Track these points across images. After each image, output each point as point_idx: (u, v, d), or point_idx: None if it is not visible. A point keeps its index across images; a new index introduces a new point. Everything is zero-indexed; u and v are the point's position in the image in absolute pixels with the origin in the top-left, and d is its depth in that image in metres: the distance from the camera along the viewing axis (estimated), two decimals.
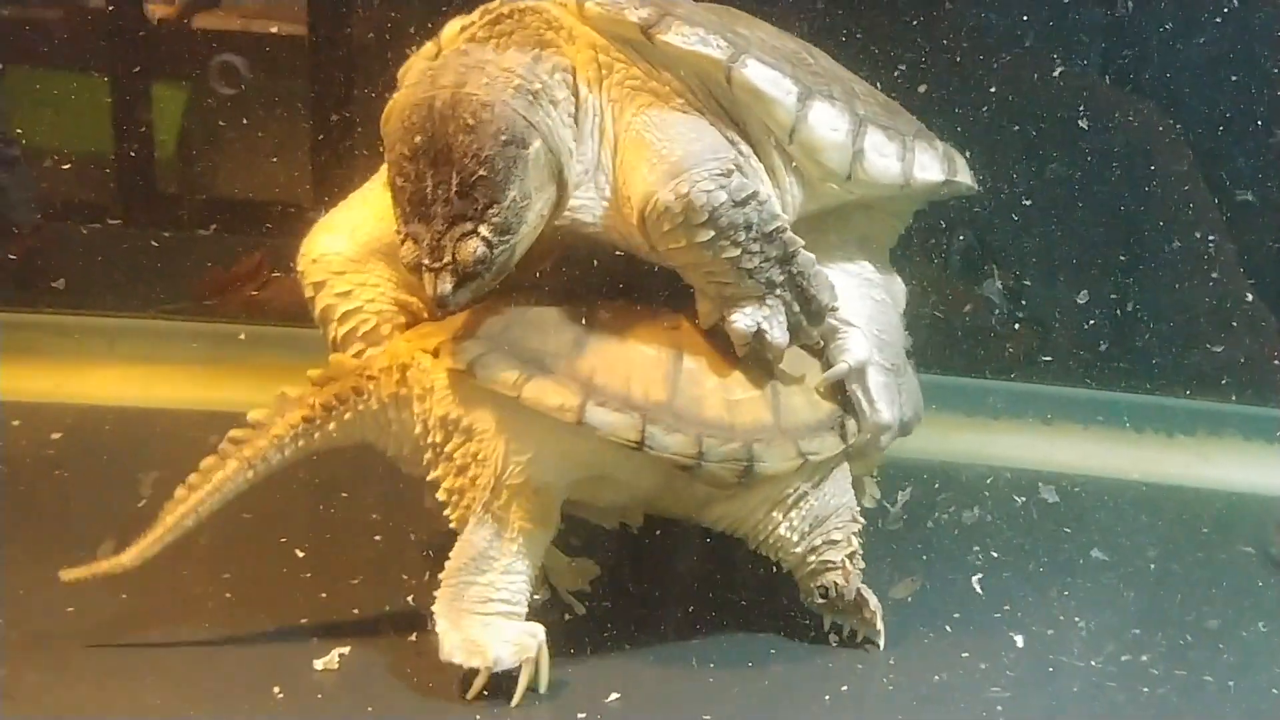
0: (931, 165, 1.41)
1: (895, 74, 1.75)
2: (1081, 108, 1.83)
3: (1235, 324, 1.87)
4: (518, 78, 1.20)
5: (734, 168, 1.23)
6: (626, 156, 1.26)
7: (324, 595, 1.37)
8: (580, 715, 1.20)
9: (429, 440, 1.25)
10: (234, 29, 2.07)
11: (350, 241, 1.35)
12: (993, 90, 1.82)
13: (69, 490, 1.60)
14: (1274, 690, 1.32)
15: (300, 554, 1.41)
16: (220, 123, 2.07)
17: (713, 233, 1.22)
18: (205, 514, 1.24)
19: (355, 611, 1.34)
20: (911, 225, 1.52)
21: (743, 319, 1.26)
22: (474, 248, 1.15)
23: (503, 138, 1.16)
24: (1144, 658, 1.36)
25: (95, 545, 1.28)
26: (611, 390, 1.23)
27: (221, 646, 1.27)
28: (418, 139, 1.15)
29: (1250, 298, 1.87)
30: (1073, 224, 1.87)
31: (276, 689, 1.20)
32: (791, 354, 1.31)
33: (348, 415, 1.26)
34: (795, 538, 1.33)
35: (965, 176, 1.46)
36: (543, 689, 1.21)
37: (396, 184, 1.17)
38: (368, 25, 1.98)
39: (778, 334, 1.28)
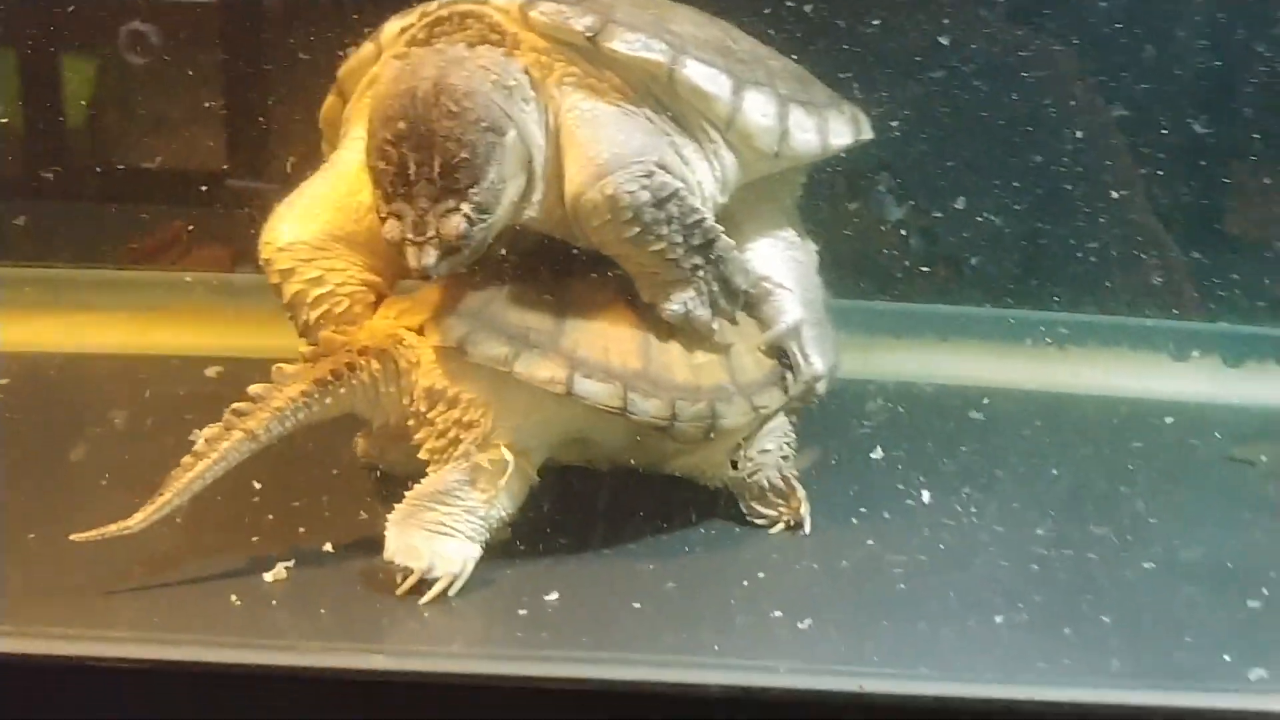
0: (843, 131, 1.54)
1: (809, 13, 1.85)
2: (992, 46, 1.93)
3: (1135, 247, 1.98)
4: (494, 74, 1.29)
5: (656, 169, 1.33)
6: (563, 152, 1.35)
7: (271, 517, 1.43)
8: (522, 612, 1.28)
9: (413, 409, 1.34)
10: None
11: (313, 228, 1.40)
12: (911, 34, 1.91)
13: (19, 433, 1.64)
14: (1148, 565, 1.44)
15: (257, 485, 1.47)
16: (132, 92, 2.08)
17: (638, 229, 1.32)
18: (210, 480, 1.30)
19: (301, 530, 1.41)
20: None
21: (672, 305, 1.38)
22: (457, 223, 1.23)
23: (483, 124, 1.25)
24: (1041, 535, 1.49)
25: (43, 481, 1.35)
26: (594, 362, 1.33)
27: (179, 564, 1.33)
28: (401, 125, 1.23)
29: (1149, 221, 1.98)
30: (984, 155, 1.97)
31: (233, 597, 1.27)
32: (737, 316, 1.44)
33: (342, 389, 1.33)
34: (739, 469, 1.47)
35: (867, 133, 1.59)
36: (452, 593, 1.30)
37: (379, 168, 1.24)
38: None
39: (703, 313, 1.39)
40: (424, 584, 1.29)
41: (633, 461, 1.46)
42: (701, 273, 1.38)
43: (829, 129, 1.51)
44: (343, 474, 1.52)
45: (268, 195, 1.83)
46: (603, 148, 1.33)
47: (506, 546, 1.38)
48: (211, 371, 1.73)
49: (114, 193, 2.14)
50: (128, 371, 1.70)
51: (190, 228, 2.10)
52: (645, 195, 1.32)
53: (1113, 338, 1.99)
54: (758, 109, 1.42)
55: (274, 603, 1.28)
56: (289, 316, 1.43)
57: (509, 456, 1.32)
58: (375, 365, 1.34)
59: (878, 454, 1.66)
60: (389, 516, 1.32)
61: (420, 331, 1.34)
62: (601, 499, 1.48)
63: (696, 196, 1.38)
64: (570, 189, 1.33)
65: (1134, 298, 1.99)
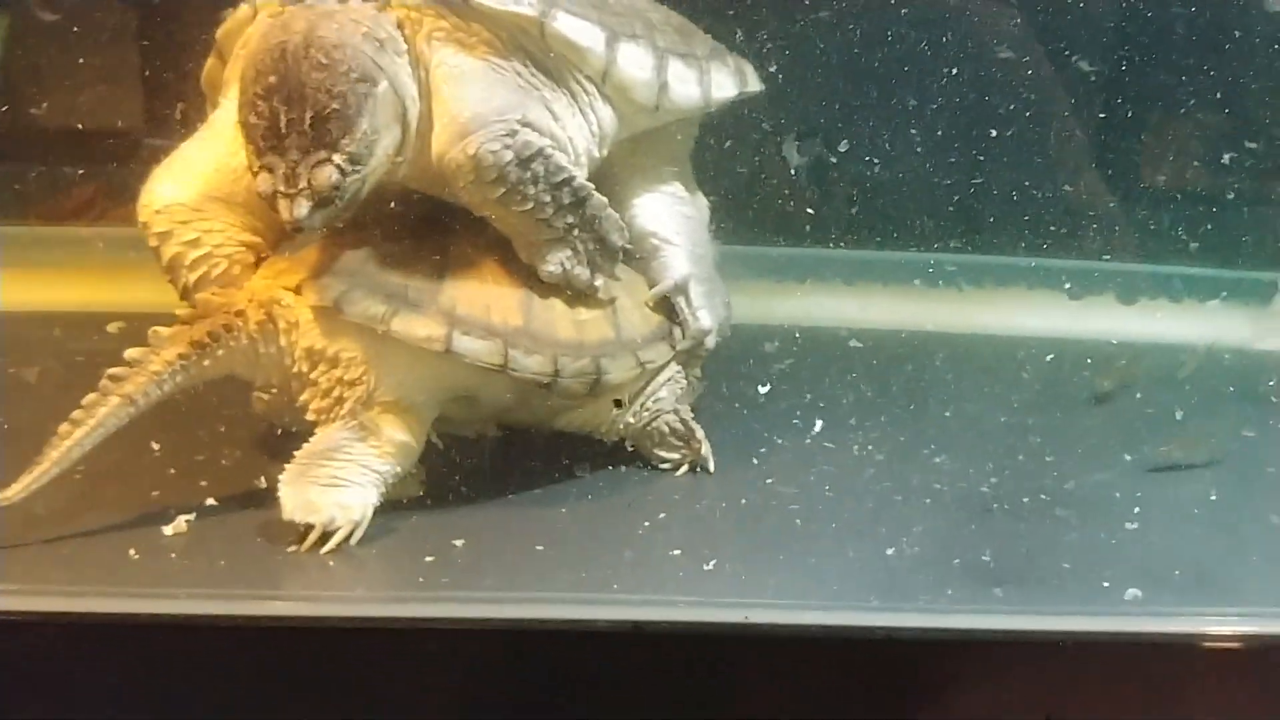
0: (726, 83, 1.54)
1: None
2: None
3: (1033, 188, 2.02)
4: (365, 26, 1.29)
5: (519, 127, 1.32)
6: (431, 108, 1.34)
7: (172, 471, 1.44)
8: (429, 559, 1.30)
9: (295, 370, 1.34)
10: None
11: (190, 189, 1.39)
12: None
13: None
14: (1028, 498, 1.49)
15: (156, 443, 1.48)
16: (45, 49, 2.04)
17: (503, 189, 1.32)
18: (88, 447, 1.29)
19: (203, 484, 1.42)
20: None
21: (548, 265, 1.38)
22: (328, 173, 1.24)
23: (354, 75, 1.25)
24: (929, 469, 1.54)
25: None
26: (474, 319, 1.33)
27: (77, 519, 1.33)
28: (271, 79, 1.23)
29: (1047, 163, 2.02)
30: (880, 98, 1.99)
31: (131, 551, 1.28)
32: (623, 272, 1.46)
33: (220, 351, 1.33)
34: (636, 421, 1.49)
35: (754, 85, 1.59)
36: (353, 541, 1.32)
37: (250, 122, 1.24)
38: None
39: (581, 272, 1.40)
40: (326, 536, 1.31)
41: (522, 418, 1.47)
42: (576, 232, 1.38)
43: (711, 81, 1.51)
44: (244, 428, 1.52)
45: None
46: (465, 106, 1.32)
47: (416, 499, 1.40)
48: (113, 327, 1.72)
49: (28, 151, 2.10)
50: (30, 328, 1.68)
51: (100, 195, 2.08)
52: (508, 155, 1.31)
53: (1009, 278, 2.03)
54: (634, 62, 1.42)
55: (173, 555, 1.29)
56: (168, 279, 1.42)
57: (395, 412, 1.33)
58: (253, 326, 1.33)
59: (774, 395, 1.69)
60: (280, 477, 1.32)
61: (297, 291, 1.33)
62: (509, 449, 1.50)
63: (567, 154, 1.37)
64: (435, 148, 1.33)
65: (1031, 239, 2.02)
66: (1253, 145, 1.98)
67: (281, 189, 1.24)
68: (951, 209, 2.02)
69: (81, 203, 2.08)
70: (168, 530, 1.32)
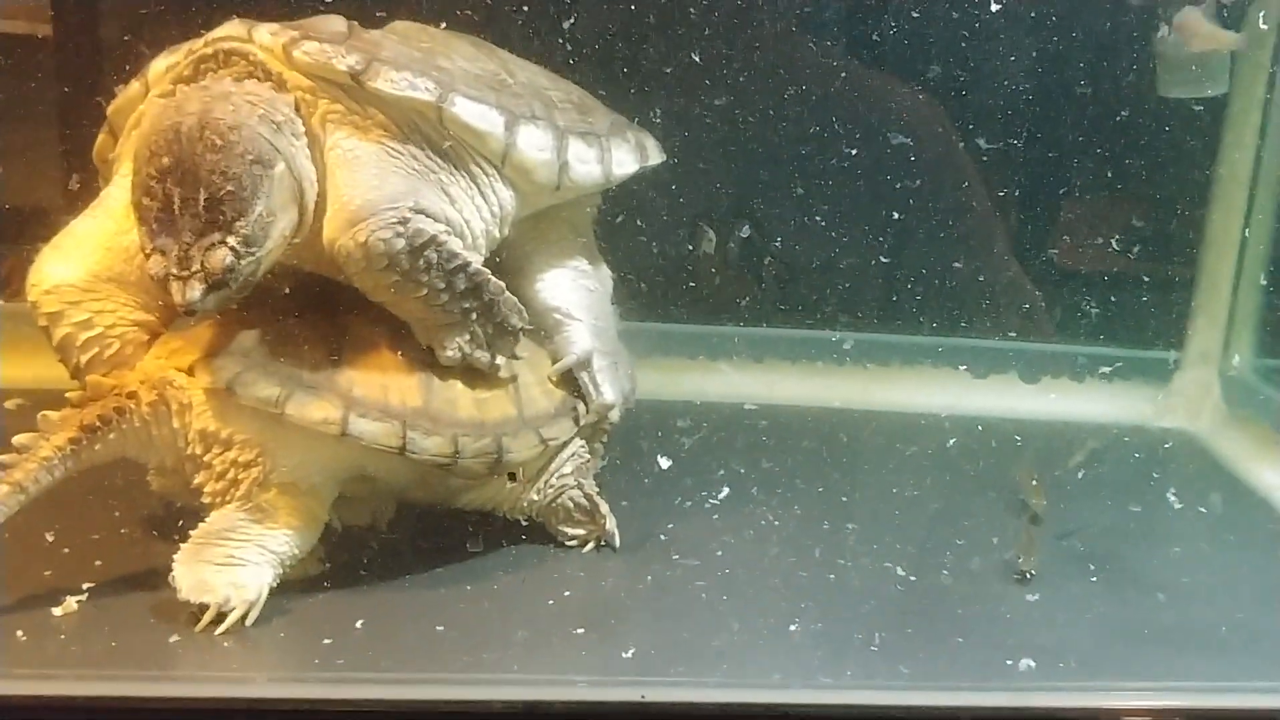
0: (627, 160, 1.54)
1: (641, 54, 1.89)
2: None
3: (941, 269, 2.06)
4: (261, 108, 1.28)
5: (411, 214, 1.31)
6: (324, 191, 1.34)
7: (66, 550, 1.41)
8: (326, 640, 1.28)
9: (189, 452, 1.32)
10: None
11: (81, 268, 1.37)
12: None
13: None
14: (945, 573, 1.50)
15: (54, 523, 1.45)
16: None
17: (396, 276, 1.32)
18: None
19: (97, 563, 1.39)
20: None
21: (447, 349, 1.38)
22: (222, 256, 1.22)
23: (249, 157, 1.24)
24: (843, 541, 1.56)
25: None
26: (371, 400, 1.32)
27: None
28: (165, 160, 1.22)
29: (956, 244, 2.06)
30: (794, 179, 2.03)
31: (20, 633, 1.25)
32: (526, 348, 1.46)
33: (112, 435, 1.31)
34: (540, 498, 1.49)
35: (655, 157, 1.60)
36: (248, 622, 1.29)
37: (143, 204, 1.23)
38: (115, 25, 1.96)
39: (481, 355, 1.40)
40: (221, 616, 1.28)
41: (421, 497, 1.46)
42: (473, 316, 1.37)
43: (612, 159, 1.51)
44: (140, 507, 1.50)
45: None
46: (357, 192, 1.31)
47: (313, 579, 1.38)
48: (11, 404, 1.70)
49: None
50: None
51: (16, 272, 2.05)
52: (400, 243, 1.30)
53: (913, 356, 2.06)
54: (533, 144, 1.42)
55: (62, 636, 1.26)
56: (59, 359, 1.40)
57: (291, 494, 1.32)
58: (145, 409, 1.31)
59: (680, 470, 1.69)
60: (175, 556, 1.30)
61: (190, 372, 1.32)
62: (408, 527, 1.49)
63: (464, 238, 1.37)
64: (327, 234, 1.32)
65: (935, 317, 2.06)
66: (1142, 226, 2.03)
67: (174, 271, 1.22)
68: (858, 288, 2.05)
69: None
70: (57, 611, 1.29)
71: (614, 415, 1.54)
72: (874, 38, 2.00)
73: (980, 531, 1.60)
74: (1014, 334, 2.06)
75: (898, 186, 1.98)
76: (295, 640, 1.29)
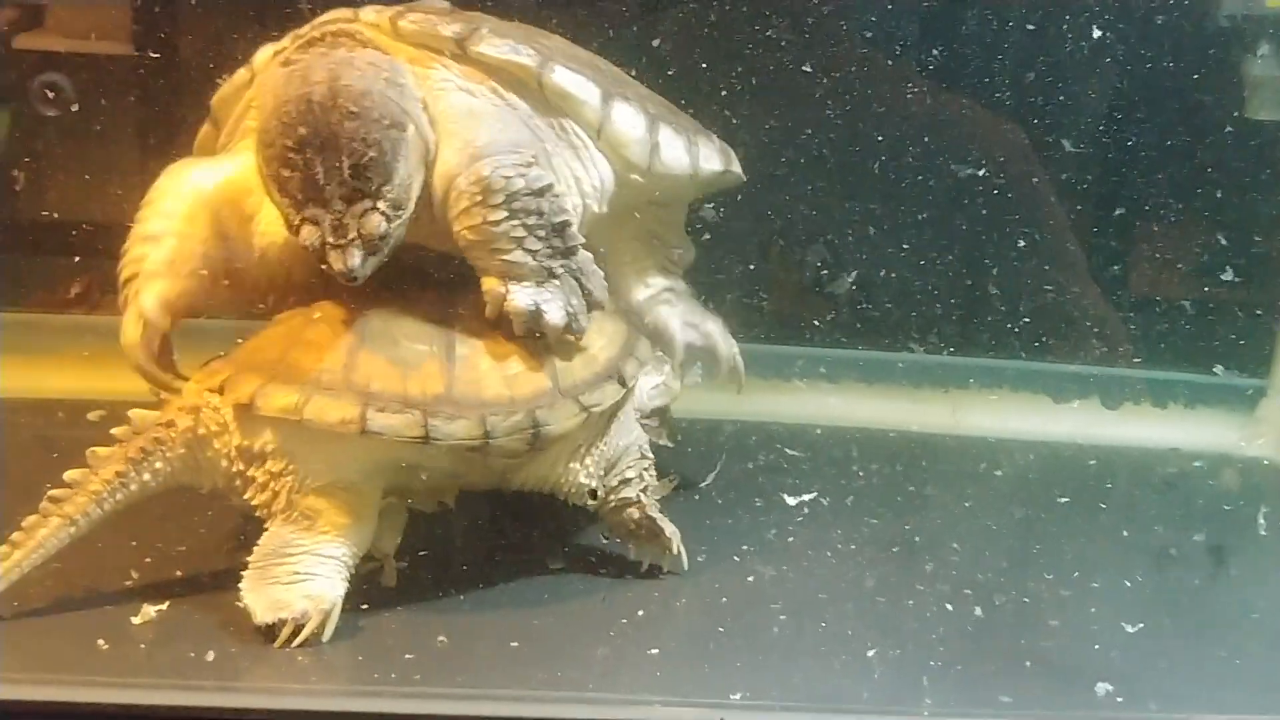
0: (713, 157, 1.55)
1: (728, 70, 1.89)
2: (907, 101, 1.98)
3: (1021, 291, 2.03)
4: (385, 71, 1.29)
5: (534, 160, 1.33)
6: (436, 150, 1.34)
7: (148, 560, 1.43)
8: (409, 656, 1.28)
9: (233, 470, 1.34)
10: (58, 49, 2.05)
11: (201, 205, 1.37)
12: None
13: None
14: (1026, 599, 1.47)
15: (134, 542, 1.46)
16: (45, 144, 2.05)
17: (505, 214, 1.31)
18: (27, 569, 1.29)
19: (179, 573, 1.40)
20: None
21: (522, 296, 1.35)
22: (377, 222, 1.23)
23: (385, 122, 1.24)
24: (922, 566, 1.53)
25: None
26: (389, 394, 1.30)
27: (47, 609, 1.32)
28: (302, 130, 1.22)
29: (1038, 266, 2.03)
30: (879, 197, 2.01)
31: (101, 641, 1.26)
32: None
33: (158, 464, 1.33)
34: (593, 483, 1.44)
35: (737, 167, 1.60)
36: (325, 638, 1.29)
37: (282, 176, 1.23)
38: (193, 44, 2.00)
39: (554, 316, 1.36)
40: (299, 630, 1.29)
41: (474, 481, 1.43)
42: (558, 279, 1.36)
43: (699, 152, 1.52)
44: (225, 519, 1.50)
45: None
46: (482, 134, 1.33)
47: (391, 595, 1.38)
48: (94, 415, 1.72)
49: (27, 242, 2.13)
50: (12, 416, 1.68)
51: (96, 287, 2.09)
52: (520, 183, 1.31)
53: (994, 380, 2.03)
54: (627, 119, 1.43)
55: (141, 646, 1.27)
56: (124, 255, 1.39)
57: (330, 495, 1.32)
58: (184, 436, 1.33)
59: (757, 492, 1.68)
60: (240, 585, 1.31)
61: (220, 392, 1.32)
62: (481, 544, 1.50)
63: (568, 200, 1.38)
64: (444, 170, 1.32)
65: (1017, 342, 2.02)
66: (1227, 250, 1.99)
67: (330, 240, 1.23)
68: (939, 311, 2.03)
69: (77, 293, 2.09)
70: (136, 620, 1.30)
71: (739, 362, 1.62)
72: (954, 60, 1.98)
73: (1060, 558, 1.57)
74: (1096, 358, 2.03)
75: (978, 209, 1.97)
76: (377, 654, 1.29)
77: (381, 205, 1.24)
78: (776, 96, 1.94)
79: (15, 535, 1.28)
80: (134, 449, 1.32)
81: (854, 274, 1.98)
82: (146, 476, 1.32)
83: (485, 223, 1.32)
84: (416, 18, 1.36)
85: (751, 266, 2.01)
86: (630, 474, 1.45)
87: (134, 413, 1.34)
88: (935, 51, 2.00)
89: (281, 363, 1.32)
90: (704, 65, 1.87)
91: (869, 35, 1.99)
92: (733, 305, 1.94)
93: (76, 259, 2.08)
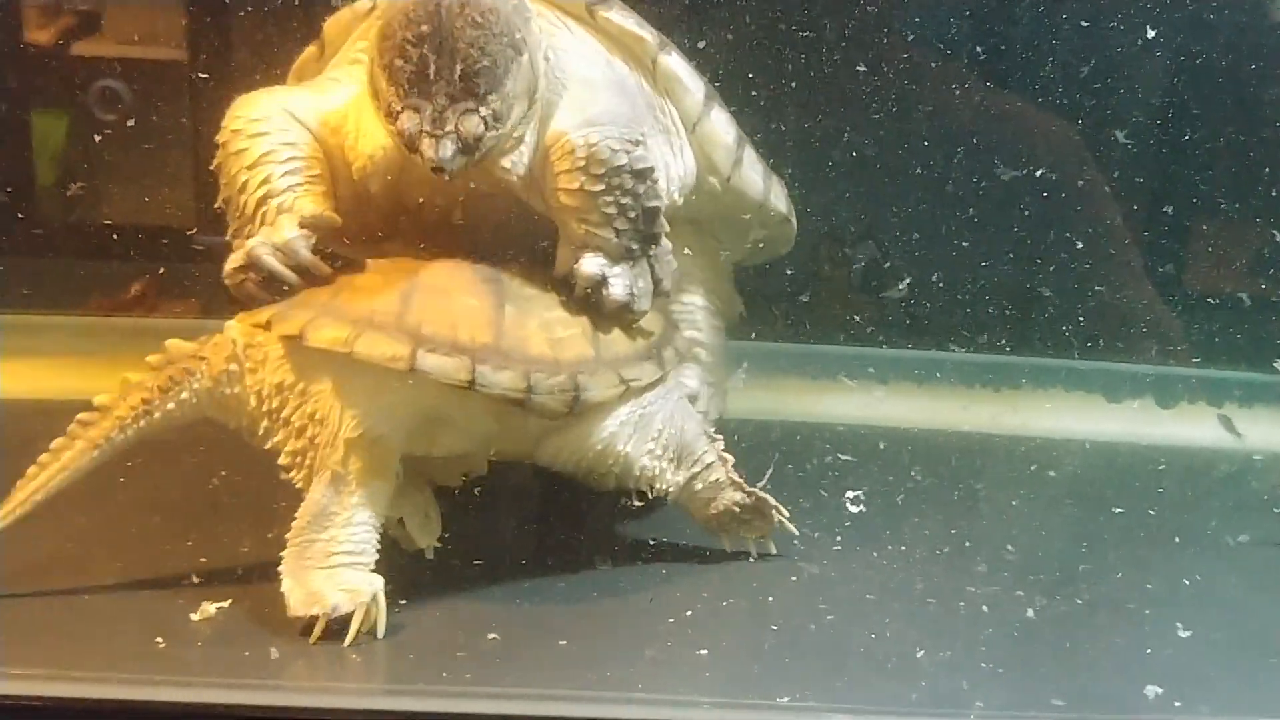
0: (781, 198, 1.61)
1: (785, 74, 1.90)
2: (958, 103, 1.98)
3: (1074, 290, 2.02)
4: (514, 1, 1.31)
5: (642, 140, 1.35)
6: (550, 109, 1.36)
7: (204, 560, 1.45)
8: (461, 654, 1.29)
9: (264, 409, 1.35)
10: (114, 55, 2.09)
11: (297, 109, 1.38)
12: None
13: None
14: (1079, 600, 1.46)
15: (189, 542, 1.49)
16: (102, 149, 2.09)
17: (603, 186, 1.34)
18: (54, 490, 1.33)
19: (240, 571, 1.42)
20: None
21: (592, 263, 1.37)
22: (476, 123, 1.25)
23: (504, 39, 1.27)
24: (973, 567, 1.53)
25: None
26: (440, 338, 1.31)
27: (108, 605, 1.35)
28: (424, 28, 1.24)
29: (1091, 264, 2.01)
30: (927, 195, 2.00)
31: (159, 639, 1.28)
32: None
33: (183, 394, 1.35)
34: (667, 465, 1.45)
35: (794, 222, 1.66)
36: (379, 634, 1.30)
37: (395, 65, 1.25)
38: (247, 50, 2.02)
39: (617, 290, 1.38)
40: (344, 623, 1.30)
41: (506, 449, 1.44)
42: (633, 261, 1.39)
43: (773, 186, 1.59)
44: (287, 520, 1.49)
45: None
46: (598, 102, 1.37)
47: (442, 595, 1.39)
48: None
49: (85, 246, 2.16)
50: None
51: (151, 290, 2.12)
52: (624, 159, 1.33)
53: (1046, 380, 2.02)
54: (722, 123, 1.50)
55: (199, 644, 1.29)
56: (241, 189, 1.37)
57: (362, 449, 1.32)
58: (215, 370, 1.35)
59: (805, 493, 1.67)
60: (280, 568, 1.32)
61: (267, 326, 1.34)
62: (526, 541, 1.52)
63: (664, 186, 1.41)
64: (556, 129, 1.34)
65: (1070, 341, 2.01)
66: None
67: (427, 129, 1.25)
68: (990, 310, 2.02)
69: (135, 296, 2.12)
70: (195, 617, 1.32)
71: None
72: (1006, 58, 1.98)
73: (1113, 559, 1.56)
74: (1150, 357, 2.01)
75: (1030, 207, 1.95)
76: (429, 651, 1.30)
77: (483, 110, 1.26)
78: (828, 95, 1.94)
79: (43, 457, 1.33)
80: (163, 378, 1.35)
81: (906, 280, 1.97)
82: (171, 406, 1.35)
83: (582, 189, 1.34)
84: None
85: (801, 266, 2.00)
86: (709, 457, 1.46)
87: (170, 342, 1.37)
88: (987, 49, 1.99)
89: (334, 302, 1.33)
90: (753, 64, 1.86)
91: (920, 33, 1.98)
92: (782, 304, 1.94)
93: (134, 262, 2.11)
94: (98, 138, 2.05)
